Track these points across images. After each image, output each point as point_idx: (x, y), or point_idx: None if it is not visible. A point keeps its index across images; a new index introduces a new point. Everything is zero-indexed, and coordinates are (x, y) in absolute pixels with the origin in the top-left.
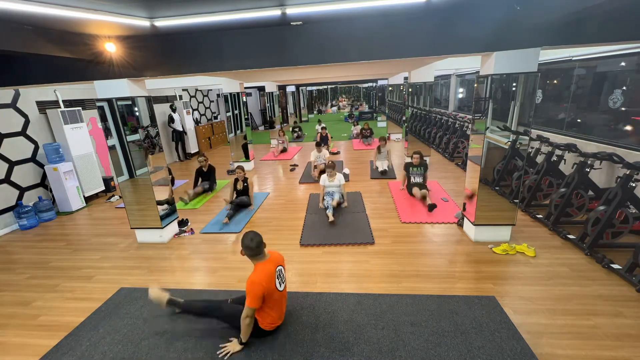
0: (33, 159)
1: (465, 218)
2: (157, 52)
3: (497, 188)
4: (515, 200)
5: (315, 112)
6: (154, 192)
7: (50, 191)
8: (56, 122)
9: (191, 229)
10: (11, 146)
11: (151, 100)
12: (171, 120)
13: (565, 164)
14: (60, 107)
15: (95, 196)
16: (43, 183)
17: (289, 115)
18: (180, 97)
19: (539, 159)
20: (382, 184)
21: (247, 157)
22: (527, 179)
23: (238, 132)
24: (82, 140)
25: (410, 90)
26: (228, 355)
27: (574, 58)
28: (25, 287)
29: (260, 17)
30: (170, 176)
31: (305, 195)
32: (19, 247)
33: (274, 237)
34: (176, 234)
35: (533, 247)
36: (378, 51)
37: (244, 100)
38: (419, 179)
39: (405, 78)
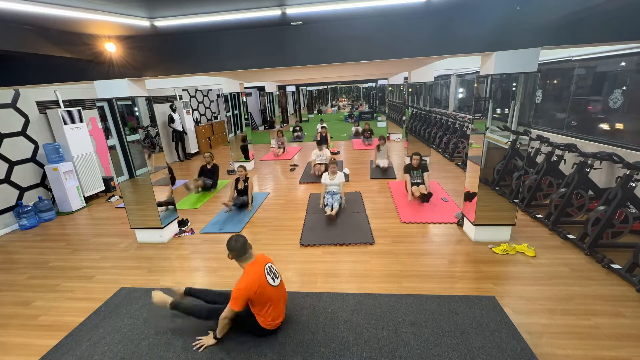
0: (33, 159)
1: (465, 218)
2: (157, 52)
3: (497, 188)
4: (515, 200)
5: (315, 112)
6: (154, 192)
7: (50, 191)
8: (56, 122)
9: (191, 229)
10: (11, 146)
11: (151, 100)
12: (171, 120)
13: (565, 164)
14: (60, 107)
15: (95, 196)
16: (43, 183)
17: (288, 115)
18: (180, 97)
19: (539, 159)
20: (382, 184)
21: (246, 157)
22: (527, 179)
23: (238, 132)
24: (82, 140)
25: (410, 90)
26: (202, 348)
27: (574, 58)
28: (25, 287)
29: (260, 17)
30: (170, 175)
31: (305, 195)
32: (19, 247)
33: (274, 237)
34: (176, 234)
35: (533, 247)
36: (378, 51)
37: (244, 100)
38: (418, 180)
39: (405, 78)
